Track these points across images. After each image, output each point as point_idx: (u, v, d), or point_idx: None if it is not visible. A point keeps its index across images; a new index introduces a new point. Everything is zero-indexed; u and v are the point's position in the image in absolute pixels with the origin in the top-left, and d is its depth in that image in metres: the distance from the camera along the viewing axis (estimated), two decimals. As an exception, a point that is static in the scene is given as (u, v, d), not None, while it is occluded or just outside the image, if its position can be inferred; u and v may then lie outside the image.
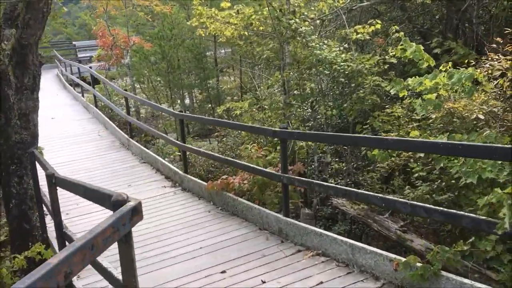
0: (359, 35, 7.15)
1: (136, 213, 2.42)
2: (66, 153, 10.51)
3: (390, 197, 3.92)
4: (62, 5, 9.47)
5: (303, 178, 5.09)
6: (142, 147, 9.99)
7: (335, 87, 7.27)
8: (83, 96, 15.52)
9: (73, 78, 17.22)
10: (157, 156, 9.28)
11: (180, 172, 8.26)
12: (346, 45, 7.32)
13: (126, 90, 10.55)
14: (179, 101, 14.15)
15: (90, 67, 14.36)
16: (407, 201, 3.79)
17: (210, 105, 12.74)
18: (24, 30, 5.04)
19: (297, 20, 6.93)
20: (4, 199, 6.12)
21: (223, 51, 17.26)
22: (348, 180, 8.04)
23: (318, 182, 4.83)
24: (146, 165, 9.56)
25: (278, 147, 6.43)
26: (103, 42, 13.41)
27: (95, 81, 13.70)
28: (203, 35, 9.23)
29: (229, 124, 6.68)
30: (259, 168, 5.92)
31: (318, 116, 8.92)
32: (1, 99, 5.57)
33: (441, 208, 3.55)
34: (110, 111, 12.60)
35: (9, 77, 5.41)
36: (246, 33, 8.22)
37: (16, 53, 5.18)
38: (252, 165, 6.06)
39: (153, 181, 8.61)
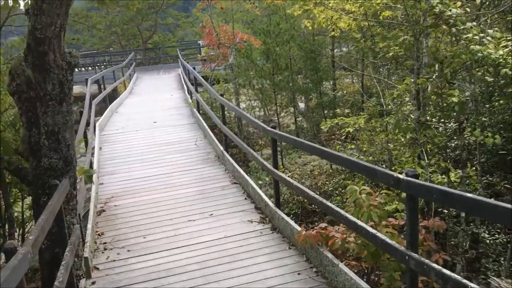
0: (547, 21, 4.52)
1: None
2: (158, 164, 9.35)
3: None
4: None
5: (448, 272, 2.83)
6: (234, 164, 8.35)
7: (502, 101, 4.74)
8: (191, 98, 14.58)
9: (185, 79, 16.48)
10: (248, 178, 7.54)
11: (271, 204, 6.42)
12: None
13: (222, 95, 9.01)
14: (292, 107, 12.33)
15: (194, 68, 13.27)
16: None
17: (323, 113, 10.69)
18: (38, 18, 3.60)
19: (443, -1, 4.57)
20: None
21: (345, 49, 15.05)
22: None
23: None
24: (237, 187, 7.90)
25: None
26: (209, 40, 12.16)
27: (200, 84, 12.54)
28: (310, 28, 7.28)
29: (327, 154, 4.61)
30: (370, 231, 3.76)
31: (465, 134, 6.34)
32: (33, 109, 4.28)
33: None
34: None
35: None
36: (366, 23, 6.05)
37: (31, 51, 3.79)
38: (360, 224, 3.92)
39: (240, 211, 6.89)
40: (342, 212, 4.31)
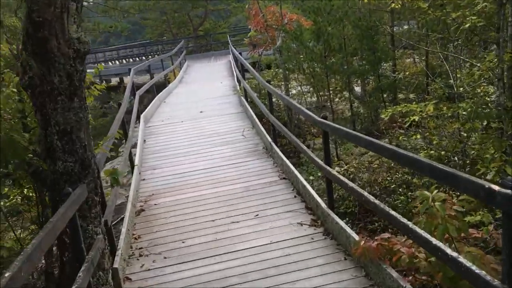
0: None
1: None
2: (203, 157, 8.80)
3: None
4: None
5: None
6: (283, 157, 7.61)
7: None
8: (239, 86, 13.92)
9: (234, 65, 15.83)
10: (298, 174, 6.78)
11: (323, 205, 5.63)
12: None
13: (269, 81, 8.25)
14: (346, 92, 11.32)
15: (240, 53, 12.54)
16: None
17: (381, 97, 9.62)
18: (34, -2, 3.02)
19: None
20: (59, 251, 4.42)
21: (406, 26, 13.74)
22: None
23: None
24: (286, 183, 7.17)
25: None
26: (256, 22, 11.38)
27: (247, 70, 11.83)
28: (366, 1, 6.32)
29: (387, 151, 3.76)
30: (449, 254, 2.90)
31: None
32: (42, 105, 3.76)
33: None
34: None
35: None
36: (435, -11, 5.06)
37: (29, 37, 3.22)
38: (435, 243, 3.07)
39: (289, 211, 6.16)
40: (410, 225, 3.45)
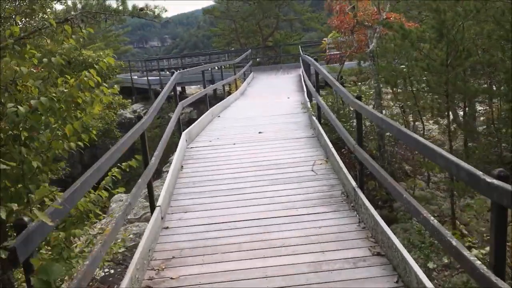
0: None
1: None
2: (254, 200, 6.22)
3: None
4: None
5: None
6: (377, 217, 4.79)
7: None
8: (310, 102, 11.23)
9: (305, 78, 13.22)
10: (407, 256, 3.95)
11: None
12: None
13: (360, 98, 5.51)
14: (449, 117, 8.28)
15: (316, 59, 9.84)
16: None
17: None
18: None
19: None
20: None
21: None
22: None
23: None
24: (382, 263, 4.37)
25: None
26: (339, 20, 8.68)
27: (325, 83, 9.14)
28: None
29: None
30: None
31: None
32: None
33: None
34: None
35: None
36: None
37: None
38: None
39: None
40: None
